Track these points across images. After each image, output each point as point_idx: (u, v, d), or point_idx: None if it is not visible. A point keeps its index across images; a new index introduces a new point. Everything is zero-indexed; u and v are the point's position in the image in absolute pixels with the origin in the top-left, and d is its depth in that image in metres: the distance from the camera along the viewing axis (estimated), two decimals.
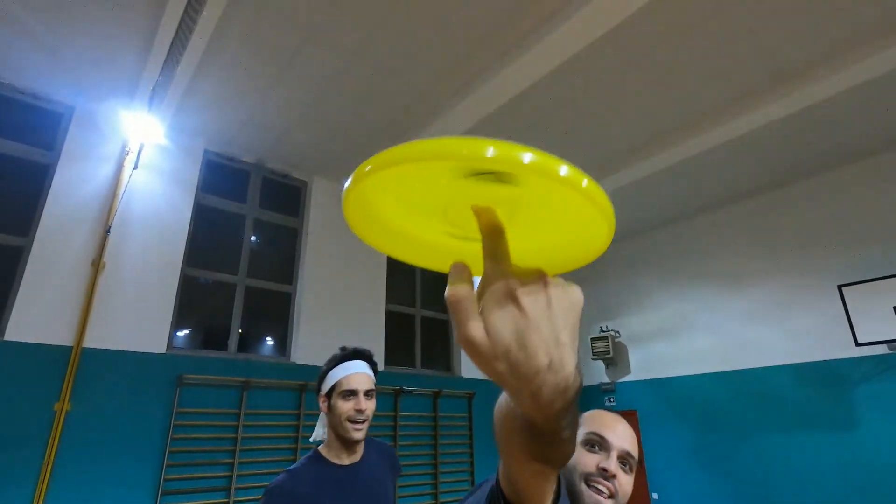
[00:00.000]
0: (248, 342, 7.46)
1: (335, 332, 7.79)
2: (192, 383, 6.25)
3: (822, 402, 8.03)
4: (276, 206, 8.15)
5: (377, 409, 6.67)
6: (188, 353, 6.53)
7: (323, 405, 1.60)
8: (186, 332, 7.04)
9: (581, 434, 0.98)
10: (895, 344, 7.40)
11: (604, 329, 11.26)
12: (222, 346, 7.00)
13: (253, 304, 7.49)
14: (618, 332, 11.13)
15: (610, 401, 10.99)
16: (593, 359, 11.13)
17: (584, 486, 0.92)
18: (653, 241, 11.05)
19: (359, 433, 1.48)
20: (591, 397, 11.39)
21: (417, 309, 9.42)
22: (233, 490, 6.13)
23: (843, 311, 7.78)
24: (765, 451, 8.46)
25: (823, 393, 8.06)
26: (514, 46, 5.63)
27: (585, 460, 0.94)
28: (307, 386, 7.09)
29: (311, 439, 1.57)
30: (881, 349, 7.59)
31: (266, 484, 5.58)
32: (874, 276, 7.63)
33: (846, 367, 7.88)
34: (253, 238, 7.88)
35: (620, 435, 0.97)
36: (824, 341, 8.16)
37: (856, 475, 7.43)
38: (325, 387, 1.63)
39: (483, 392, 9.37)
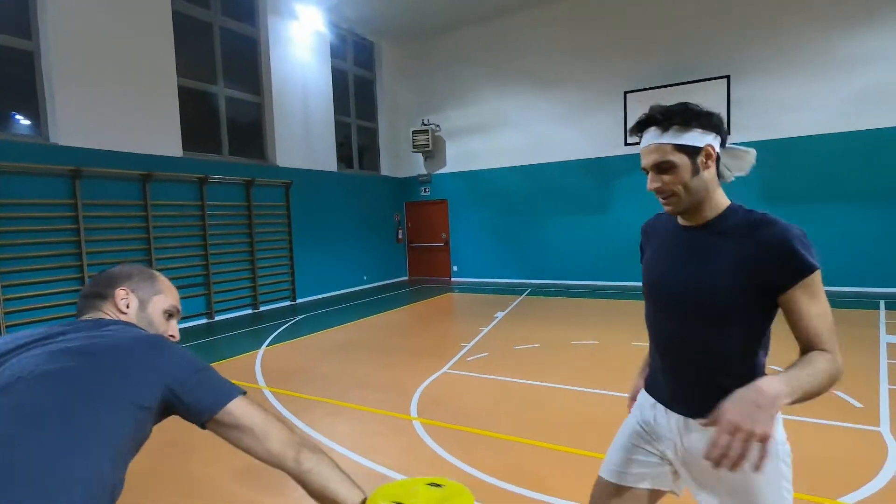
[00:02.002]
0: None
1: (111, 108, 6.36)
2: None
3: (592, 192, 9.80)
4: None
5: (183, 198, 6.04)
6: None
7: None
8: None
9: (165, 303, 1.15)
10: None
11: (425, 122, 11.39)
12: None
13: None
14: (438, 126, 11.39)
15: (425, 191, 11.80)
16: (413, 151, 11.45)
17: None
18: (480, 34, 10.76)
19: (669, 207, 1.23)
20: (409, 188, 12.07)
21: (220, 87, 8.10)
22: None
23: (623, 116, 9.03)
24: (545, 231, 10.33)
25: (594, 184, 9.77)
26: None
27: (164, 328, 1.15)
28: (81, 172, 5.95)
29: None
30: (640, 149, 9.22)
31: (36, 280, 4.90)
32: (654, 85, 8.80)
33: (614, 164, 9.50)
34: None
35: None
36: (605, 141, 9.55)
37: (606, 244, 9.67)
38: None
39: (301, 181, 9.13)
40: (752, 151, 1.26)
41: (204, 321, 7.43)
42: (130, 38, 6.58)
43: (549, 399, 3.79)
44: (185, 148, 7.29)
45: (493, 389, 4.06)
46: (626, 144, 9.06)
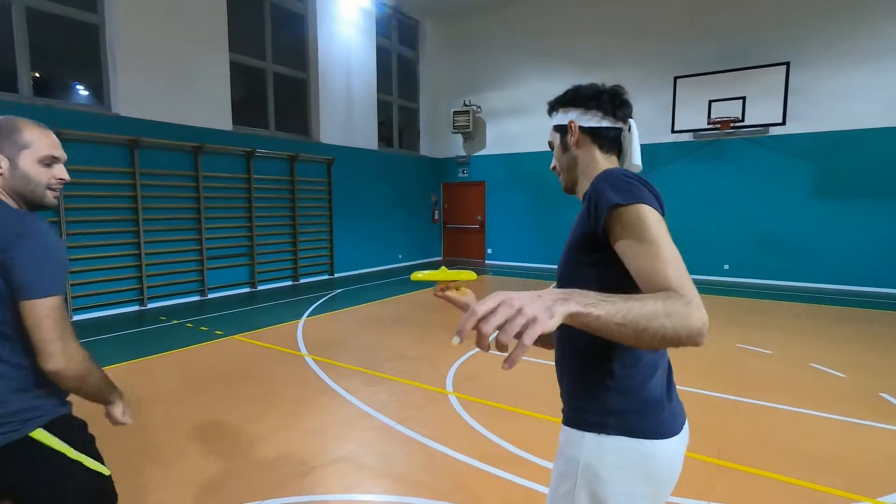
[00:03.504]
0: (51, 86, 6.04)
1: (168, 81, 6.61)
2: None
3: None
4: None
5: (232, 170, 6.25)
6: None
7: None
8: None
9: (34, 154, 1.18)
10: (699, 133, 8.76)
11: (467, 103, 11.34)
12: (10, 87, 5.56)
13: (47, 37, 5.82)
14: (479, 107, 11.32)
15: (463, 172, 11.80)
16: (453, 132, 11.43)
17: (47, 191, 1.22)
18: (524, 13, 10.56)
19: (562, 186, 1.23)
20: (447, 169, 12.10)
21: (269, 63, 8.28)
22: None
23: (672, 101, 8.75)
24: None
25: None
26: None
27: (45, 177, 1.20)
28: (139, 142, 6.24)
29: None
30: (688, 137, 8.95)
31: (96, 243, 5.18)
32: (707, 71, 8.47)
33: (659, 151, 9.26)
34: None
35: (62, 148, 1.26)
36: (651, 127, 9.30)
37: None
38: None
39: (342, 158, 9.29)
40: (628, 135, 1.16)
41: (247, 290, 7.76)
42: (187, 13, 6.79)
43: None
44: (234, 122, 7.53)
45: (528, 369, 4.12)
46: (673, 132, 8.79)
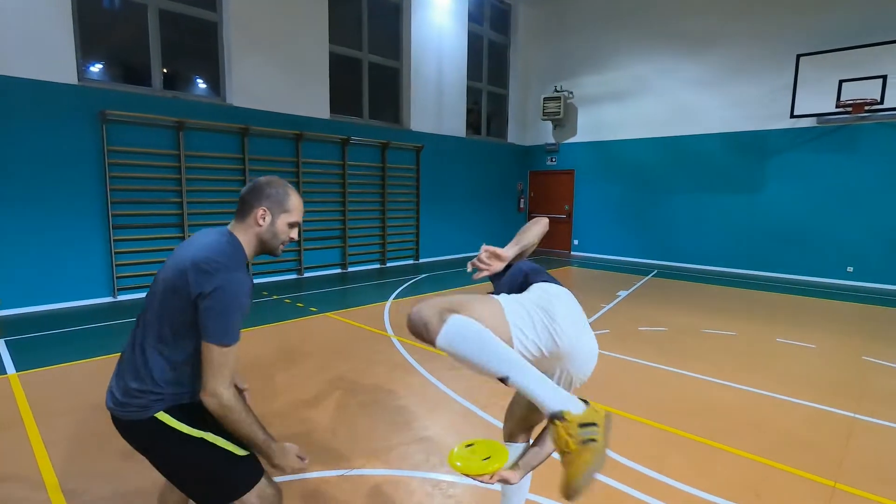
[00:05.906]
0: (176, 80, 6.71)
1: (274, 73, 7.08)
2: (117, 120, 5.76)
3: (739, 169, 8.79)
4: None
5: (328, 157, 6.55)
6: (107, 87, 5.83)
7: None
8: (100, 65, 6.16)
9: (289, 218, 1.56)
10: (824, 118, 7.80)
11: (558, 89, 10.98)
12: (145, 82, 6.26)
13: (174, 36, 6.46)
14: (571, 92, 10.92)
15: (551, 160, 11.50)
16: (543, 119, 11.15)
17: (280, 245, 1.57)
18: None
19: None
20: (534, 157, 11.85)
21: (364, 53, 8.57)
22: (185, 227, 6.33)
23: (792, 82, 7.86)
24: (681, 209, 9.55)
25: (743, 160, 8.75)
26: None
27: (286, 236, 1.56)
28: (249, 130, 6.76)
29: None
30: (809, 122, 8.00)
31: (215, 223, 5.72)
32: (836, 47, 7.50)
33: (773, 138, 8.38)
34: None
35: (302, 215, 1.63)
36: (761, 112, 8.44)
37: (753, 229, 8.72)
38: None
39: (431, 145, 9.43)
40: None
41: (338, 271, 8.18)
42: (292, 9, 7.20)
43: (672, 383, 3.61)
44: (331, 111, 7.91)
45: (613, 366, 3.96)
46: (792, 116, 7.91)
